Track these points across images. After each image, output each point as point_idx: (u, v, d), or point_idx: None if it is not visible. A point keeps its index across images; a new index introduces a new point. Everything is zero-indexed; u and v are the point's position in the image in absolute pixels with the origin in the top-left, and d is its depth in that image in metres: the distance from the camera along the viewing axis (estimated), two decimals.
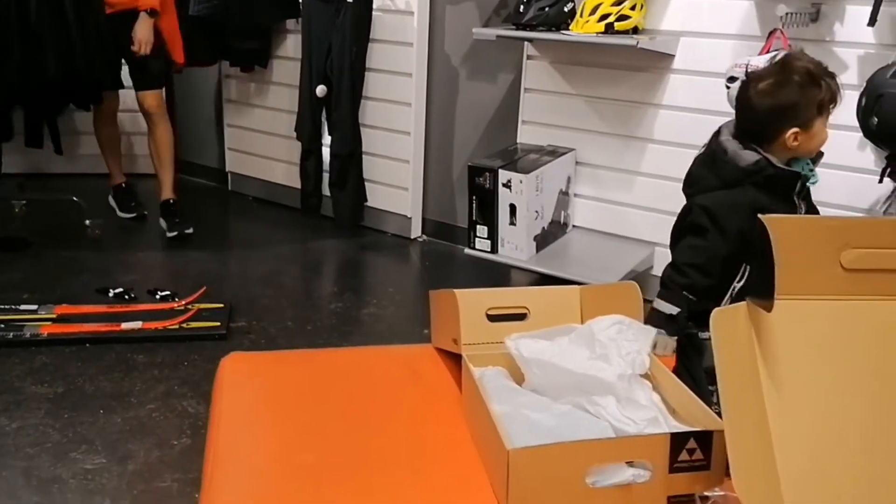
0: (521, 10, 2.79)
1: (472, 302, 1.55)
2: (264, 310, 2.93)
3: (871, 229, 0.94)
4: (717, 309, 0.88)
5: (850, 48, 2.48)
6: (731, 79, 2.26)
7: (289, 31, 3.83)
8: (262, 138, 4.06)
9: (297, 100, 3.62)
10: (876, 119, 2.09)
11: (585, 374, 1.13)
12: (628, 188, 3.03)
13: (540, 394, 1.18)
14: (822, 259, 0.91)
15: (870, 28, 2.30)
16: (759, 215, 0.90)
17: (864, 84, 2.17)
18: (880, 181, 2.31)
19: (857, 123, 2.48)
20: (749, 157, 1.64)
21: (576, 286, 1.67)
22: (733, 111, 2.26)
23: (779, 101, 1.63)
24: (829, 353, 0.91)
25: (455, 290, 1.46)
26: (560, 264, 2.91)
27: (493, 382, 1.22)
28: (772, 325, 0.91)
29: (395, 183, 3.65)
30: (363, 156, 3.63)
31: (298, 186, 3.80)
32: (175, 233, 3.48)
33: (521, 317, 1.63)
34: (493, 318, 1.64)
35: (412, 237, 3.71)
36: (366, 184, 3.68)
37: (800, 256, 0.90)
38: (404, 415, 1.26)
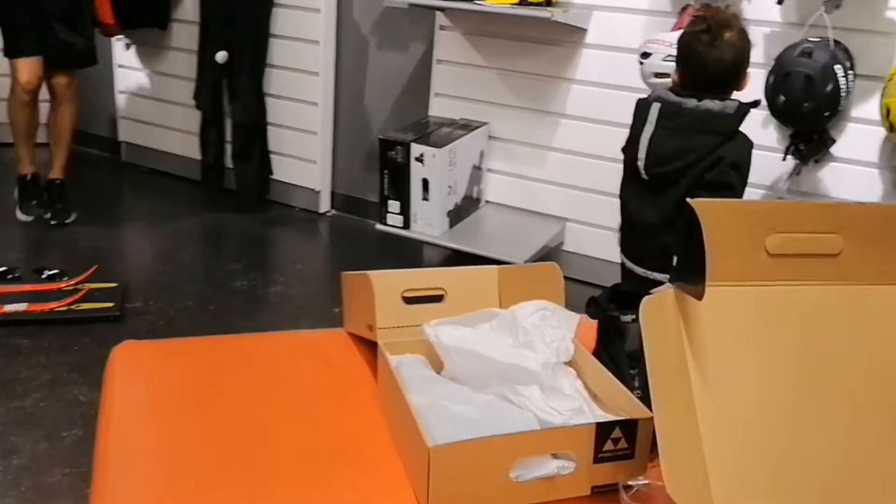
0: None
1: (387, 284, 1.48)
2: (162, 289, 2.76)
3: (796, 213, 0.92)
4: (646, 297, 0.85)
5: (758, 26, 2.51)
6: (645, 55, 2.25)
7: None
8: (159, 106, 3.82)
9: (196, 66, 3.42)
10: (783, 97, 2.13)
11: (509, 362, 1.08)
12: (541, 163, 3.01)
13: (461, 383, 1.13)
14: (749, 244, 0.89)
15: (777, 6, 2.34)
16: (689, 199, 0.87)
17: (773, 62, 2.21)
18: (784, 159, 2.37)
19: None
20: (731, 104, 1.80)
21: (494, 266, 1.63)
22: (646, 86, 2.28)
23: (746, 47, 1.83)
24: (755, 340, 0.90)
25: (369, 273, 1.38)
26: (473, 240, 2.87)
27: (412, 371, 1.16)
28: (699, 312, 0.88)
29: (303, 155, 3.51)
30: (268, 127, 3.47)
31: (198, 157, 3.60)
32: (55, 221, 3.20)
33: (438, 298, 1.58)
34: (409, 301, 1.58)
35: (321, 212, 3.59)
36: (271, 156, 3.52)
37: (727, 242, 0.87)
38: (314, 407, 1.18)
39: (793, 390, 0.89)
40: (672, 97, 1.80)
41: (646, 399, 1.18)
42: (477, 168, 3.05)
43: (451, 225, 2.93)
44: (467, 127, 3.00)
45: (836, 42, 2.20)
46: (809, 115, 2.11)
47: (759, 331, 0.90)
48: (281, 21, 3.35)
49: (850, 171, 2.46)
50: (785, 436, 0.87)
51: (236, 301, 2.73)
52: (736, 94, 1.85)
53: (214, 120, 3.46)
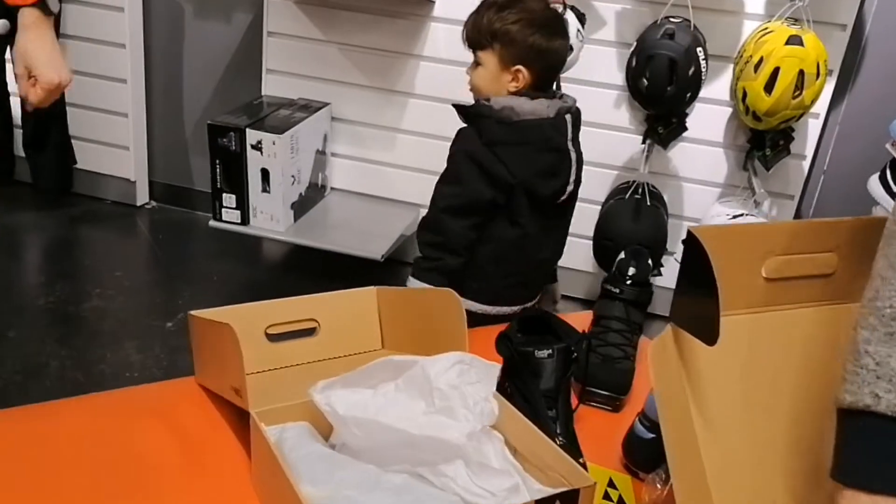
0: None
1: (247, 320, 1.24)
2: None
3: (792, 234, 0.85)
4: (651, 343, 0.80)
5: (610, 3, 2.44)
6: None
7: None
8: None
9: None
10: (646, 81, 2.06)
11: (425, 434, 0.88)
12: (390, 147, 2.80)
13: (363, 459, 0.91)
14: (747, 271, 0.83)
15: None
16: (690, 228, 0.79)
17: (634, 43, 2.13)
18: (644, 142, 2.33)
19: (616, 81, 2.50)
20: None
21: (371, 288, 1.42)
22: None
23: None
24: (754, 372, 0.83)
25: (227, 316, 1.13)
26: (323, 235, 2.61)
27: (298, 449, 0.93)
28: (699, 350, 0.79)
29: (113, 141, 3.05)
30: (67, 108, 2.96)
31: None
32: None
33: (310, 331, 1.35)
34: (273, 338, 1.34)
35: (138, 204, 3.15)
36: (74, 142, 3.02)
37: (728, 270, 0.77)
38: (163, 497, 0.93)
39: (791, 422, 0.81)
40: (567, 102, 1.56)
41: (569, 447, 1.04)
42: (321, 153, 2.77)
43: (296, 218, 2.65)
44: (308, 108, 2.71)
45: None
46: (672, 98, 2.06)
47: (758, 361, 0.83)
48: None
49: (700, 151, 2.48)
50: (791, 475, 0.79)
51: (43, 323, 2.30)
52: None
53: None
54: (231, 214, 2.58)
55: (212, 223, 2.60)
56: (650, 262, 1.37)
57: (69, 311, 2.38)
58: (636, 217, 2.26)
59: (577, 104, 1.58)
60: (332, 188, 2.90)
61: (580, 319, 1.68)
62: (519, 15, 1.52)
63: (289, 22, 2.74)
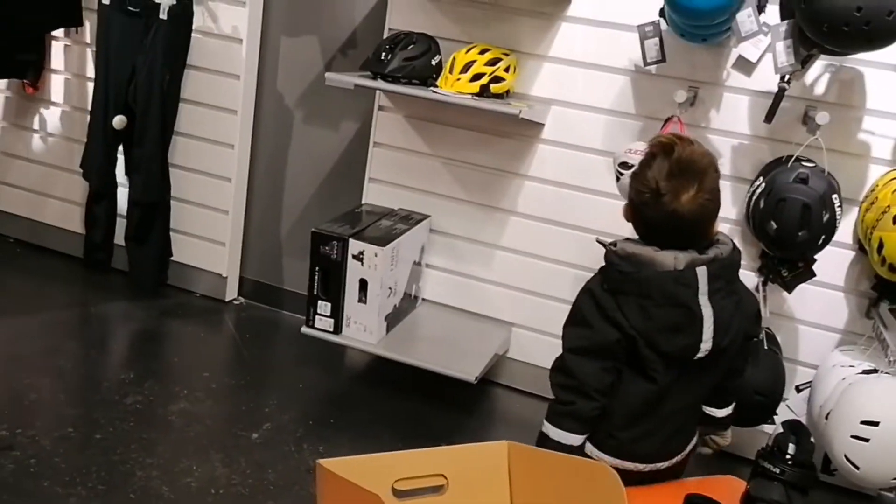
0: (384, 58, 2.41)
1: (374, 473, 1.18)
2: (33, 410, 2.25)
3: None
4: None
5: (726, 137, 2.40)
6: (624, 165, 2.05)
7: (70, 40, 3.11)
8: (32, 168, 3.27)
9: (87, 130, 2.94)
10: (775, 224, 1.98)
11: None
12: (486, 262, 2.75)
13: None
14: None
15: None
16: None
17: (763, 183, 2.07)
18: (765, 285, 2.23)
19: (730, 215, 2.43)
20: (724, 238, 1.56)
21: (503, 444, 1.34)
22: (623, 198, 2.07)
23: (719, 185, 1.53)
24: None
25: (357, 474, 1.07)
26: (415, 350, 2.54)
27: None
28: None
29: (210, 236, 3.08)
30: (172, 202, 3.02)
31: (78, 230, 3.09)
32: None
33: (437, 489, 1.28)
34: (401, 494, 1.27)
35: (227, 299, 3.15)
36: (172, 235, 3.07)
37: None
38: None
39: None
40: (704, 256, 1.46)
41: None
42: (417, 264, 2.74)
43: (388, 329, 2.60)
44: (408, 219, 2.70)
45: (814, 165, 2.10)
46: (803, 244, 1.97)
47: None
48: (193, 84, 2.95)
49: (819, 294, 2.36)
50: None
51: (129, 425, 2.24)
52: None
53: (105, 193, 2.98)
54: (325, 322, 2.54)
55: (304, 329, 2.56)
56: (812, 439, 1.26)
57: (156, 413, 2.34)
58: (754, 361, 2.13)
59: (727, 254, 1.50)
60: (423, 299, 2.86)
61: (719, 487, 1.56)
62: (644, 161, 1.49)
63: (396, 134, 2.77)
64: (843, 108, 2.25)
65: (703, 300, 1.45)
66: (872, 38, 1.81)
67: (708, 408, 1.68)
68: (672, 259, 1.44)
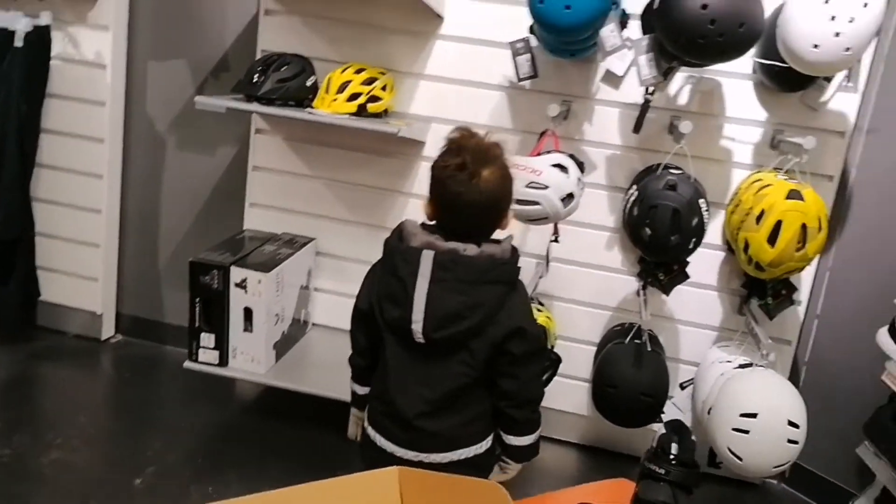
0: (256, 80, 2.35)
1: None
2: None
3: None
4: None
5: (600, 148, 2.48)
6: None
7: None
8: None
9: None
10: (649, 230, 2.05)
11: None
12: None
13: None
14: None
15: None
16: None
17: (636, 191, 2.14)
18: (644, 289, 2.30)
19: (608, 223, 2.50)
20: (507, 247, 1.56)
21: (394, 469, 1.31)
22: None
23: (508, 184, 1.57)
24: None
25: None
26: (306, 377, 2.47)
27: None
28: None
29: (81, 272, 2.90)
30: (37, 237, 2.83)
31: None
32: None
33: None
34: None
35: (103, 338, 2.97)
36: (39, 272, 2.87)
37: None
38: None
39: None
40: (445, 244, 1.49)
41: None
42: (305, 288, 2.68)
43: (278, 357, 2.52)
44: (293, 243, 2.63)
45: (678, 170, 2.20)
46: (676, 248, 2.05)
47: None
48: (55, 114, 2.77)
49: (695, 294, 2.46)
50: None
51: None
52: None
53: None
54: (209, 355, 2.43)
55: (187, 364, 2.44)
56: (693, 437, 1.29)
57: (28, 465, 2.16)
58: (638, 364, 2.20)
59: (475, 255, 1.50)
60: (314, 324, 2.79)
61: (610, 491, 1.58)
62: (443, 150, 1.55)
63: (275, 157, 2.71)
64: (704, 117, 2.37)
65: (421, 282, 1.48)
66: (726, 50, 1.91)
67: (499, 429, 1.63)
68: (415, 237, 1.52)
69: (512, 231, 1.61)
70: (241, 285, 2.38)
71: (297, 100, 2.40)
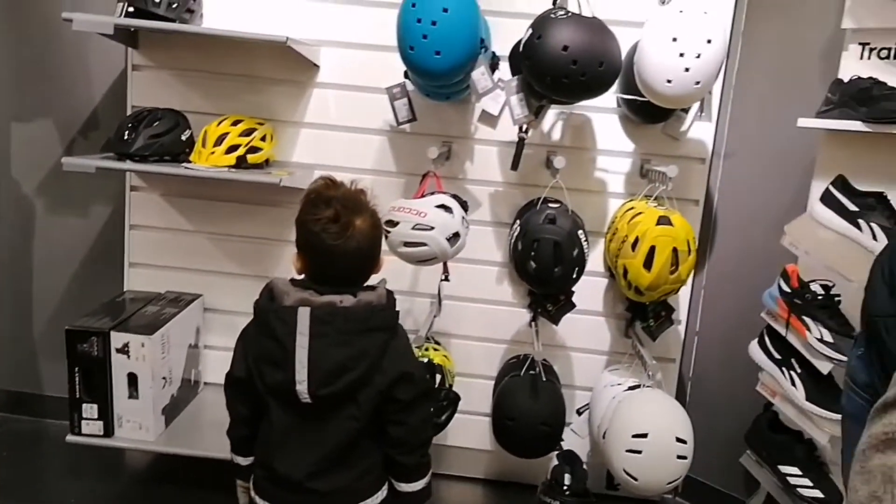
0: (127, 137, 2.28)
1: None
2: None
3: None
4: None
5: (483, 186, 2.54)
6: (391, 223, 2.09)
7: None
8: None
9: None
10: (534, 264, 2.11)
11: None
12: None
13: None
14: None
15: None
16: None
17: (518, 226, 2.20)
18: (534, 321, 2.35)
19: (496, 258, 2.56)
20: (380, 292, 1.55)
21: None
22: (396, 256, 2.11)
23: (378, 233, 1.59)
24: None
25: None
26: (198, 440, 2.37)
27: None
28: None
29: None
30: None
31: None
32: None
33: None
34: None
35: None
36: None
37: None
38: None
39: None
40: (320, 298, 1.47)
41: None
42: (193, 347, 2.59)
43: (168, 422, 2.41)
44: (178, 301, 2.55)
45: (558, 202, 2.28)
46: (560, 279, 2.11)
47: None
48: None
49: (583, 321, 2.54)
50: None
51: None
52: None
53: None
54: (92, 426, 2.30)
55: (69, 438, 2.30)
56: (585, 466, 1.32)
57: None
58: (534, 394, 2.24)
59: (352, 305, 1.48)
60: (205, 383, 2.69)
61: None
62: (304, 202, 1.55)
63: (154, 214, 2.62)
64: (578, 151, 2.48)
65: (301, 339, 1.45)
66: (589, 88, 2.01)
67: (391, 477, 1.62)
68: (287, 295, 1.48)
69: (384, 274, 1.61)
70: (123, 350, 2.27)
71: (172, 155, 2.34)
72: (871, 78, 2.00)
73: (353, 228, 1.48)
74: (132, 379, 2.29)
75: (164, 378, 2.37)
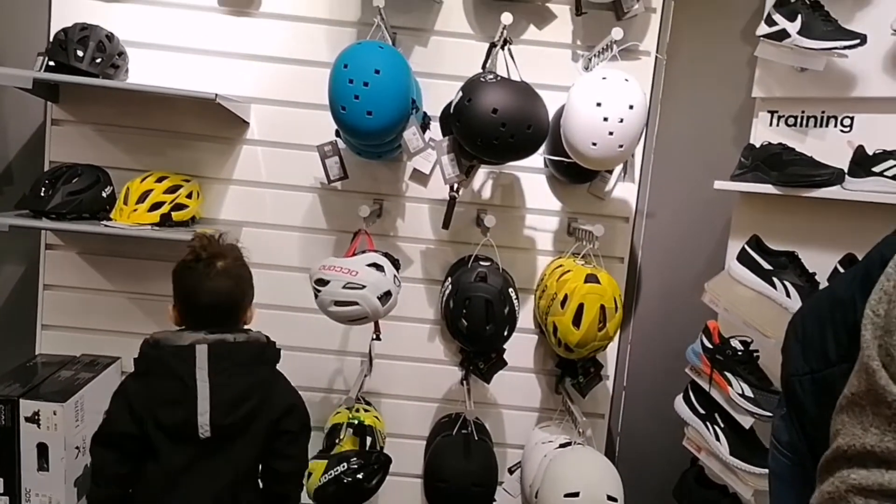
0: (44, 193, 2.19)
1: None
2: None
3: None
4: None
5: (415, 244, 2.54)
6: (321, 281, 2.07)
7: None
8: None
9: None
10: (465, 322, 2.11)
11: None
12: None
13: None
14: None
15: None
16: None
17: (450, 284, 2.20)
18: (465, 379, 2.34)
19: (428, 316, 2.55)
20: (259, 333, 1.74)
21: None
22: (326, 315, 2.09)
23: (244, 274, 1.77)
24: None
25: None
26: None
27: None
28: None
29: None
30: None
31: None
32: None
33: None
34: None
35: None
36: None
37: None
38: None
39: None
40: (212, 335, 1.64)
41: None
42: None
43: (80, 495, 2.27)
44: (94, 365, 2.43)
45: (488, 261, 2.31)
46: (492, 337, 2.12)
47: None
48: None
49: (514, 378, 2.55)
50: None
51: None
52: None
53: None
54: None
55: None
56: None
57: None
58: (467, 455, 2.22)
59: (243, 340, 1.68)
60: None
61: None
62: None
63: (70, 274, 2.51)
64: (507, 209, 2.52)
65: (202, 375, 1.59)
66: (518, 149, 2.06)
67: None
68: (181, 337, 1.63)
69: (255, 324, 1.77)
70: (33, 419, 2.14)
71: (91, 212, 2.26)
72: (780, 144, 2.12)
73: (214, 267, 1.67)
74: (42, 450, 2.16)
75: (76, 448, 2.24)
